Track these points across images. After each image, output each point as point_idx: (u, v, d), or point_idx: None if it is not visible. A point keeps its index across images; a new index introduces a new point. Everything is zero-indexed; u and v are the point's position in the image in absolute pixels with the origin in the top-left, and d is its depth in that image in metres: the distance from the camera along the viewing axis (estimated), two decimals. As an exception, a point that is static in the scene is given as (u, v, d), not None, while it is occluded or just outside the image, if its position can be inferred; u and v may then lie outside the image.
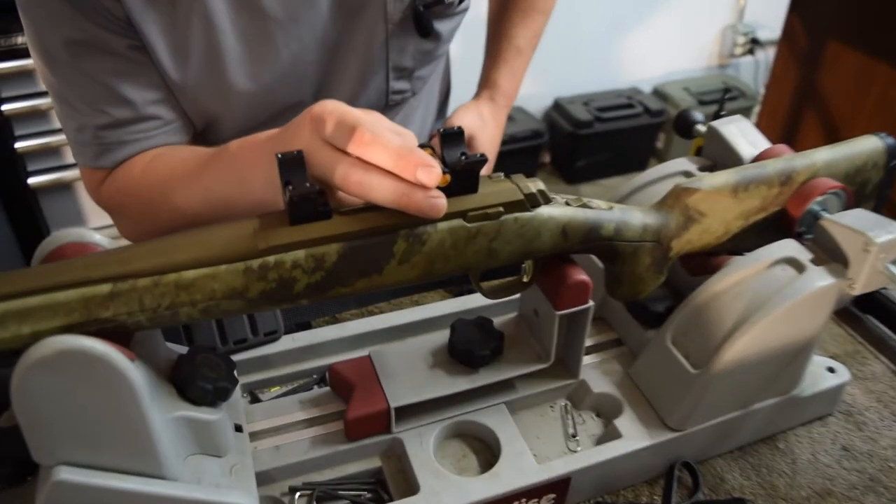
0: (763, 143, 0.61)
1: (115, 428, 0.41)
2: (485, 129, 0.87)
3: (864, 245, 0.49)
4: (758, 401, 0.55)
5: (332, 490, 0.51)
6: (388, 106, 0.78)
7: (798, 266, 0.51)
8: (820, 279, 0.50)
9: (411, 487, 0.50)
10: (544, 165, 2.50)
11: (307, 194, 0.41)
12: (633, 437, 0.53)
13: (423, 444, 0.52)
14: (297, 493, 0.50)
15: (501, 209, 0.45)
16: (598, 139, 2.36)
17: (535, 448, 0.53)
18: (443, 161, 0.44)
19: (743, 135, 0.61)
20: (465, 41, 1.04)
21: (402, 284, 0.45)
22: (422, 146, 0.43)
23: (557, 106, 2.40)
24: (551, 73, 2.27)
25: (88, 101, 0.63)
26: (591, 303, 0.52)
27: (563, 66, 2.29)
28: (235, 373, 0.48)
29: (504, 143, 0.96)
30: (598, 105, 2.38)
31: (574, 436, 0.54)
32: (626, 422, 0.54)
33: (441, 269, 0.45)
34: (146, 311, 0.41)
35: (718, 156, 0.62)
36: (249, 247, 0.41)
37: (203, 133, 0.72)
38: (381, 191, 0.41)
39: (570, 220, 0.48)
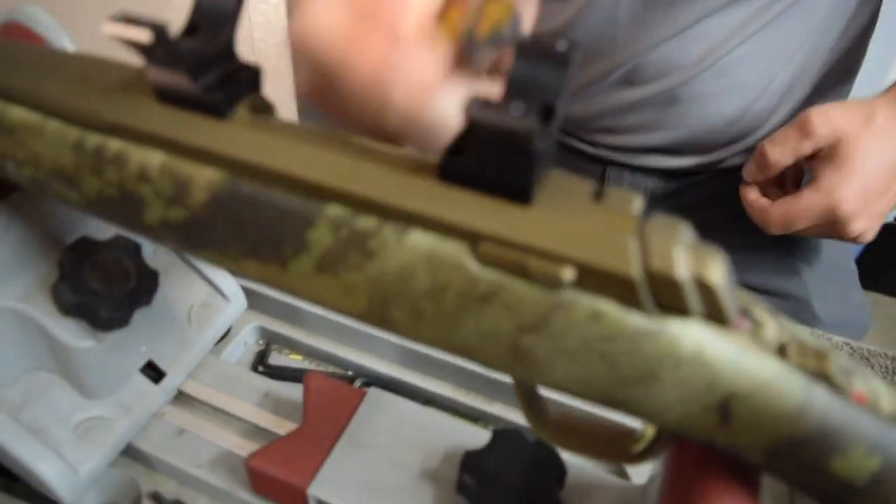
0: None
1: None
2: (868, 138, 0.49)
3: None
4: None
5: (198, 542, 0.32)
6: None
7: None
8: None
9: None
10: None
11: (195, 54, 0.20)
12: None
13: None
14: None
15: (570, 270, 0.18)
16: None
17: None
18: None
19: None
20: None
21: (337, 310, 0.22)
22: None
23: None
24: None
25: None
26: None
27: None
28: (171, 296, 0.32)
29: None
30: None
31: None
32: None
33: (407, 325, 0.21)
34: (-36, 140, 0.25)
35: None
36: (93, 107, 0.22)
37: None
38: None
39: (754, 387, 0.18)
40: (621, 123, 0.58)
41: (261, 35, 1.33)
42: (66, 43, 0.31)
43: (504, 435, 0.29)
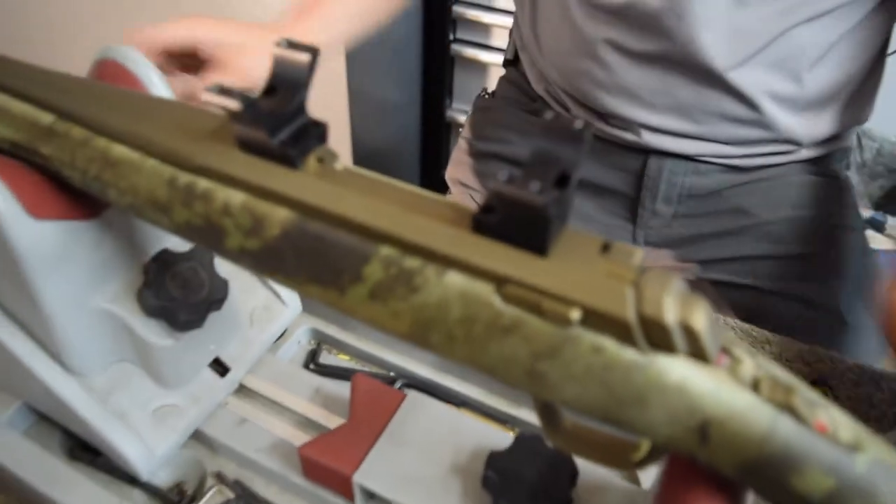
0: None
1: (7, 277, 0.33)
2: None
3: None
4: None
5: (255, 517, 0.37)
6: None
7: None
8: None
9: None
10: None
11: (275, 114, 0.24)
12: None
13: (371, 559, 0.33)
14: (216, 488, 0.37)
15: (577, 312, 0.22)
16: None
17: None
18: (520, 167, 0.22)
19: None
20: None
21: (384, 330, 0.26)
22: None
23: None
24: None
25: None
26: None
27: None
28: (237, 302, 0.37)
29: None
30: None
31: None
32: None
33: (442, 347, 0.25)
34: (77, 170, 0.30)
35: None
36: (185, 152, 0.27)
37: None
38: None
39: (728, 415, 0.22)
40: (661, 101, 0.61)
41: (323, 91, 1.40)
42: (153, 76, 0.36)
43: (525, 439, 0.33)
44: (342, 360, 0.45)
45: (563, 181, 0.21)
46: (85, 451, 0.39)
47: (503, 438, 0.35)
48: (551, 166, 0.21)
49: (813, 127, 0.62)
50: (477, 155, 0.77)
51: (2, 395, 0.40)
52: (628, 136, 0.63)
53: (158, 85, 0.35)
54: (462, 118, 1.43)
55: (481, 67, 1.40)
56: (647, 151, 0.64)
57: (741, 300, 0.64)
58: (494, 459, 0.32)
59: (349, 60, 1.33)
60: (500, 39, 1.37)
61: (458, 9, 1.32)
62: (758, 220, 0.65)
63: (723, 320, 0.53)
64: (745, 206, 0.65)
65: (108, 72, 0.35)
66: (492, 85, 0.82)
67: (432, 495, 0.33)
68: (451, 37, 1.39)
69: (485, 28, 1.36)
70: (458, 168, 0.78)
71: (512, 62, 0.78)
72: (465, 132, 0.80)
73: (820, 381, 0.48)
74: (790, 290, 0.63)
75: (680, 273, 0.69)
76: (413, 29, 1.35)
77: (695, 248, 0.68)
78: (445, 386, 0.41)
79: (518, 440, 0.33)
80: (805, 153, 0.64)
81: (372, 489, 0.33)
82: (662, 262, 0.71)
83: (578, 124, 0.22)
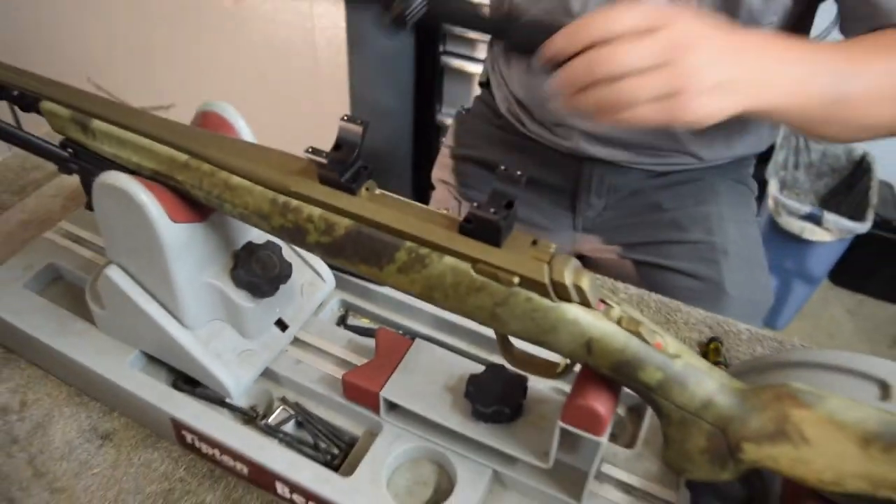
0: None
1: (148, 260, 0.49)
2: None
3: None
4: None
5: (309, 425, 0.53)
6: None
7: None
8: None
9: (352, 470, 0.50)
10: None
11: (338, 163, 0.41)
12: None
13: (392, 447, 0.50)
14: (282, 407, 0.54)
15: (517, 278, 0.39)
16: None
17: (483, 531, 0.48)
18: (485, 200, 0.39)
19: None
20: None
21: (405, 292, 0.43)
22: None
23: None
24: None
25: None
26: (602, 440, 0.42)
27: None
28: (295, 279, 0.53)
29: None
30: None
31: (529, 553, 0.47)
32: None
33: (441, 300, 0.41)
34: (203, 191, 0.46)
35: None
36: (283, 183, 0.43)
37: None
38: None
39: (601, 336, 0.39)
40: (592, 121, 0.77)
41: (323, 54, 1.56)
42: (243, 124, 0.52)
43: (493, 367, 0.50)
44: (363, 323, 0.62)
45: (509, 206, 0.38)
46: (186, 383, 0.55)
47: (478, 368, 0.52)
48: (502, 198, 0.38)
49: (713, 151, 0.79)
50: (456, 158, 0.94)
51: (125, 345, 0.56)
52: (569, 144, 0.81)
53: (245, 130, 0.52)
54: (450, 122, 1.60)
55: (468, 77, 1.57)
56: (583, 158, 0.82)
57: (653, 276, 0.82)
58: (472, 380, 0.49)
59: (351, 71, 1.49)
60: (484, 52, 1.53)
61: (447, 25, 1.48)
62: (668, 212, 0.83)
63: (646, 296, 0.70)
64: (659, 202, 0.83)
65: (211, 120, 0.51)
66: (474, 93, 1.00)
67: (432, 404, 0.50)
68: (441, 49, 1.55)
69: (471, 42, 1.53)
70: (442, 170, 0.96)
71: (485, 84, 0.95)
72: (448, 140, 0.98)
73: (715, 339, 0.65)
74: (689, 268, 0.81)
75: (607, 253, 0.87)
76: (407, 42, 1.51)
77: (619, 233, 0.86)
78: (439, 339, 0.58)
79: (488, 368, 0.50)
80: (711, 163, 0.81)
81: (393, 401, 0.50)
82: (594, 246, 0.89)
83: (519, 175, 0.39)
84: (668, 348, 0.39)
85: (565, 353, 0.40)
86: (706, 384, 0.39)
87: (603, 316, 0.39)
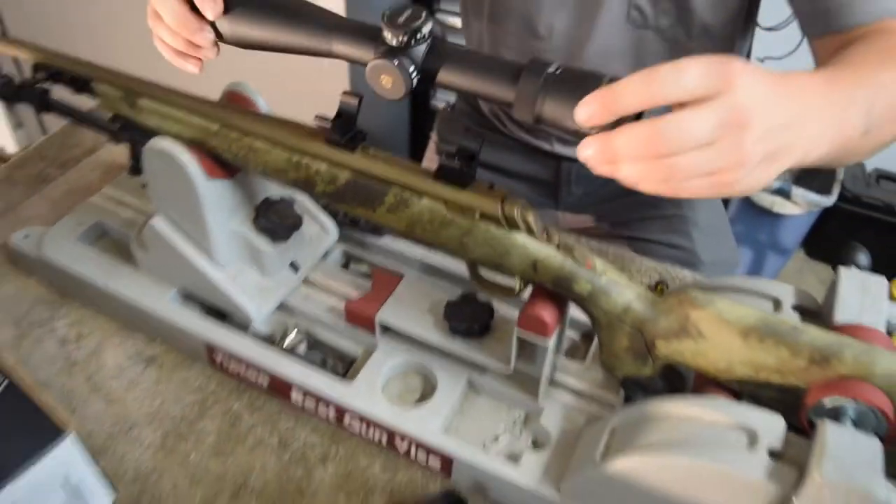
0: (875, 319, 0.50)
1: (187, 210, 0.60)
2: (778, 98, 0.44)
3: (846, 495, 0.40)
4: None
5: (318, 346, 0.65)
6: None
7: (753, 442, 0.45)
8: (756, 471, 0.44)
9: (353, 377, 0.61)
10: None
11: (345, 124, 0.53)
12: (525, 474, 0.55)
13: (386, 360, 0.62)
14: (295, 331, 0.66)
15: (478, 213, 0.50)
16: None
17: (459, 424, 0.59)
18: (454, 151, 0.50)
19: (865, 293, 0.51)
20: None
21: (394, 229, 0.54)
22: None
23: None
24: None
25: None
26: (549, 342, 0.54)
27: None
28: (305, 230, 0.65)
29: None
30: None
31: (496, 439, 0.59)
32: (533, 459, 0.56)
33: (421, 235, 0.53)
34: (231, 153, 0.58)
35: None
36: (299, 144, 0.55)
37: None
38: None
39: (544, 258, 0.50)
40: None
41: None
42: (261, 101, 0.63)
43: (466, 293, 0.62)
44: (361, 267, 0.74)
45: (472, 158, 0.50)
46: (216, 315, 0.67)
47: (455, 293, 0.63)
48: (466, 152, 0.50)
49: None
50: (441, 154, 1.06)
51: (166, 284, 0.67)
52: (546, 147, 0.93)
53: (263, 104, 0.63)
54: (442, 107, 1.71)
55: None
56: (560, 157, 0.93)
57: (636, 247, 0.94)
58: (449, 304, 0.61)
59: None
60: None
61: (441, 16, 1.59)
62: (642, 193, 0.94)
63: (605, 248, 0.81)
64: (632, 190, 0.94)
65: (236, 97, 0.63)
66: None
67: (418, 323, 0.61)
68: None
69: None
70: (429, 163, 1.07)
71: None
72: (434, 135, 1.09)
73: (661, 282, 0.77)
74: (665, 239, 0.93)
75: (592, 230, 0.99)
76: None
77: (600, 213, 0.98)
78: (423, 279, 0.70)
79: (462, 295, 0.62)
80: None
81: (386, 323, 0.62)
82: (583, 223, 1.00)
83: (478, 139, 0.50)
84: (596, 267, 0.51)
85: (518, 273, 0.52)
86: (625, 294, 0.50)
87: (546, 243, 0.51)
